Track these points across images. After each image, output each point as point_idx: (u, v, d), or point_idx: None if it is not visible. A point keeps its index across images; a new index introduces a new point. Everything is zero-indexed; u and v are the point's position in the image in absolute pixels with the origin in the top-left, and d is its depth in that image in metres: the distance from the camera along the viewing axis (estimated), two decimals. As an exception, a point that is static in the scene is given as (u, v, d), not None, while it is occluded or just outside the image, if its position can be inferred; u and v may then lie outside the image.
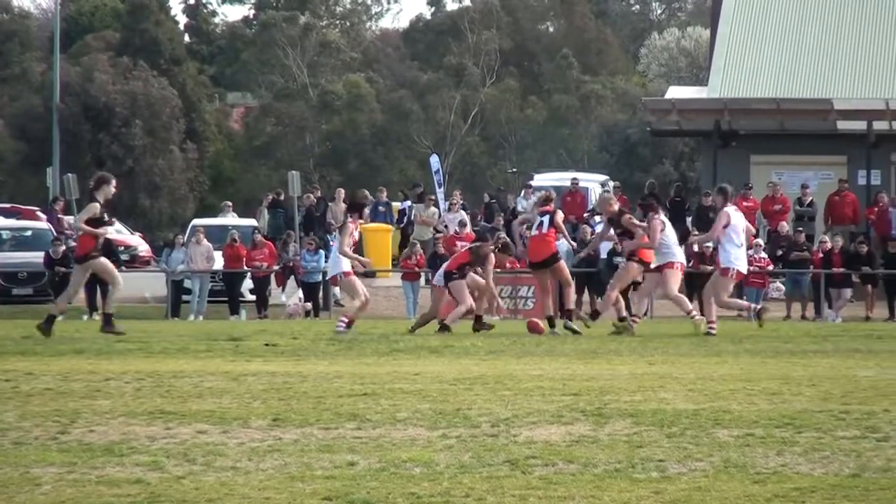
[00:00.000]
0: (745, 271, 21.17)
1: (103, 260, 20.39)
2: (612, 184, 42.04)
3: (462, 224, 35.77)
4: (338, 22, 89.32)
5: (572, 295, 21.29)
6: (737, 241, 20.46)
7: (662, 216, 21.32)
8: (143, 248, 43.79)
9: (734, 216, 20.62)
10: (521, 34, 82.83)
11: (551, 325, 20.57)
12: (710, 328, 20.33)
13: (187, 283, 33.75)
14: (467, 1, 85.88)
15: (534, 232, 20.93)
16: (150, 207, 65.56)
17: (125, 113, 64.77)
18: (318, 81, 79.08)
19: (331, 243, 35.49)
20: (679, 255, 21.21)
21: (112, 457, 8.41)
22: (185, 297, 33.54)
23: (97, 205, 19.87)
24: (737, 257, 20.55)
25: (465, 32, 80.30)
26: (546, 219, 20.88)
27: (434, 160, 46.45)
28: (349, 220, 21.61)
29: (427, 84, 79.14)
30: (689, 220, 37.30)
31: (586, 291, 32.49)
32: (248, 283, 33.90)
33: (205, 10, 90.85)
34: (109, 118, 64.62)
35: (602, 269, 32.04)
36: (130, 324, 26.21)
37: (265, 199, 40.31)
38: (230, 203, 41.73)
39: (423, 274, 33.98)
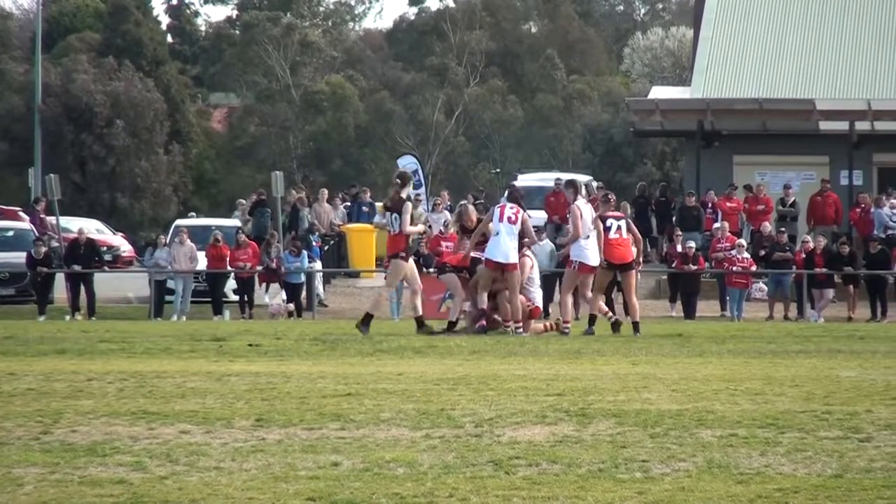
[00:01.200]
0: (593, 264, 20.77)
1: (412, 263, 20.38)
2: (595, 184, 42.09)
3: (446, 224, 35.75)
4: (320, 22, 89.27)
5: (636, 304, 21.21)
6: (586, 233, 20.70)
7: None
8: (126, 249, 43.69)
9: (584, 209, 20.84)
10: (503, 35, 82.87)
11: (591, 322, 20.78)
12: (611, 320, 20.63)
13: (170, 284, 33.68)
14: (450, 1, 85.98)
15: (614, 235, 20.67)
16: (132, 208, 65.37)
17: (107, 113, 64.58)
18: (301, 82, 79.03)
19: (314, 244, 35.51)
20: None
21: (95, 457, 8.39)
22: (168, 298, 33.48)
23: (410, 204, 20.28)
24: (584, 248, 20.60)
25: (448, 33, 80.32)
26: (623, 224, 20.87)
27: (405, 161, 45.87)
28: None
29: (410, 84, 79.14)
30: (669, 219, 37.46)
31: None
32: (231, 284, 33.84)
33: (187, 11, 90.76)
34: (91, 119, 64.43)
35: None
36: (114, 324, 26.18)
37: (248, 199, 40.19)
38: (244, 201, 41.59)
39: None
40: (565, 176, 43.00)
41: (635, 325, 20.61)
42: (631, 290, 21.04)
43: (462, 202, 23.16)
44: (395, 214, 20.29)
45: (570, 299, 21.20)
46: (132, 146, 65.10)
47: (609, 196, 23.19)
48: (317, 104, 77.61)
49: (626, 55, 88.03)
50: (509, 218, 20.53)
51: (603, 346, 17.66)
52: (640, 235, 21.77)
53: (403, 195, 20.46)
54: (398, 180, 20.78)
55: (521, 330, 20.40)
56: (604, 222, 20.78)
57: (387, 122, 77.32)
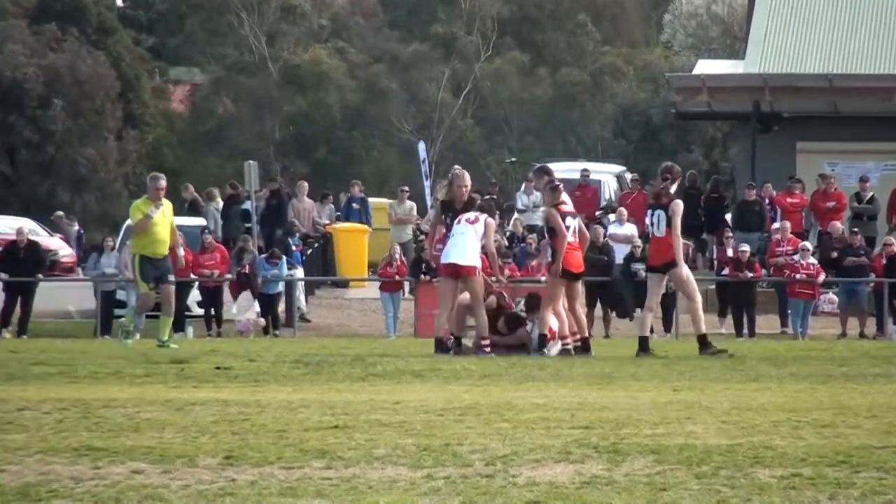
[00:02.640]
0: None
1: (687, 271, 20.27)
2: (629, 175, 42.14)
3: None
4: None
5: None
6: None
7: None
8: (66, 253, 43.65)
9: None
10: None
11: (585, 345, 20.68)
12: (565, 344, 20.35)
13: (121, 295, 33.70)
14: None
15: (570, 238, 20.34)
16: (72, 203, 65.12)
17: (41, 91, 64.47)
18: (280, 54, 79.15)
19: (293, 248, 35.52)
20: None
21: (28, 502, 8.39)
22: (118, 311, 33.47)
23: (681, 203, 19.95)
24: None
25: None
26: (577, 223, 20.62)
27: (422, 147, 46.67)
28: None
29: (410, 57, 79.27)
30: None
31: (598, 305, 32.37)
32: (195, 295, 33.86)
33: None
34: (21, 97, 64.33)
35: (618, 278, 32.09)
36: (51, 343, 26.20)
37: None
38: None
39: (405, 283, 33.90)
40: (593, 166, 43.26)
41: (542, 338, 20.37)
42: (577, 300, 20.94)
43: (456, 166, 22.87)
44: (659, 212, 19.84)
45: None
46: (75, 130, 65.08)
47: (557, 184, 22.07)
48: (299, 80, 77.74)
49: (667, 23, 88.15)
50: (468, 219, 20.56)
51: (638, 369, 17.67)
52: (588, 235, 21.62)
53: (672, 190, 19.96)
54: (667, 174, 20.22)
55: (488, 350, 20.32)
56: (562, 220, 20.41)
57: (381, 103, 77.45)
